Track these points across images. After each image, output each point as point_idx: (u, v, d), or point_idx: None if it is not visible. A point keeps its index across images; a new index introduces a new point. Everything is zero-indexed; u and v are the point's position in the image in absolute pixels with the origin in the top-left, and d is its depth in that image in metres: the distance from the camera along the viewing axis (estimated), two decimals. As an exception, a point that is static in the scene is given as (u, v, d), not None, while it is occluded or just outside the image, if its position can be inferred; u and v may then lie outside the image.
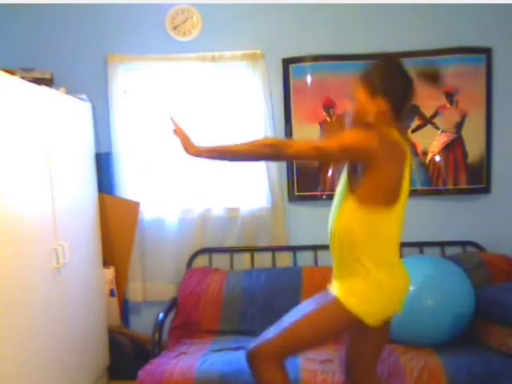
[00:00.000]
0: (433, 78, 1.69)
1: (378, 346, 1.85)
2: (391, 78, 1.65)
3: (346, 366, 1.91)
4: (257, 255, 3.02)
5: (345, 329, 1.78)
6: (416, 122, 2.90)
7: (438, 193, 2.94)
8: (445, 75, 1.74)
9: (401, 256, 1.78)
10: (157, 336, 2.50)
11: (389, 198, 1.63)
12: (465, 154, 2.90)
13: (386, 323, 1.74)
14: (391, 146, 1.61)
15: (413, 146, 2.82)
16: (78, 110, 2.70)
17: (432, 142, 2.90)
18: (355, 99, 1.70)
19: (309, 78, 2.89)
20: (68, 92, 2.67)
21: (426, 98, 2.87)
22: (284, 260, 3.02)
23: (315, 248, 2.96)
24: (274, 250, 3.01)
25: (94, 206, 2.80)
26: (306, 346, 1.82)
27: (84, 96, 2.82)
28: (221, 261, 3.01)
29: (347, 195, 1.67)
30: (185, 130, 1.76)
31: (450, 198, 2.95)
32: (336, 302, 1.67)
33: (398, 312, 1.73)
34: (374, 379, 1.90)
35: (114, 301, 2.94)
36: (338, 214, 1.71)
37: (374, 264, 1.64)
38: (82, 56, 2.97)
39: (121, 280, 2.97)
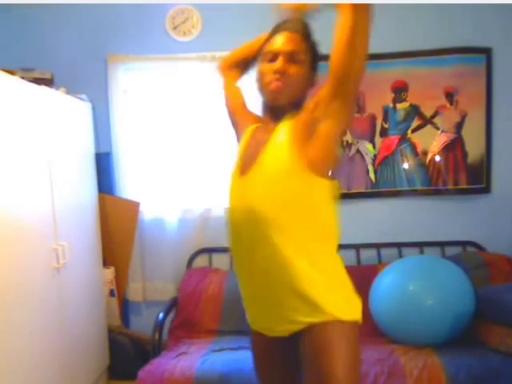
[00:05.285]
0: None
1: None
2: None
3: None
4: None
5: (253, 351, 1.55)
6: (416, 122, 2.90)
7: (437, 193, 2.94)
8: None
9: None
10: (157, 336, 2.50)
11: None
12: (465, 154, 2.90)
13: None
14: None
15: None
16: (78, 109, 2.70)
17: (432, 142, 2.90)
18: None
19: (309, 78, 2.88)
20: (68, 92, 2.66)
21: (426, 98, 2.87)
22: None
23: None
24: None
25: (93, 206, 2.80)
26: None
27: (84, 96, 2.82)
28: (221, 261, 3.01)
29: None
30: None
31: (450, 198, 2.95)
32: None
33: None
34: None
35: (114, 301, 2.94)
36: None
37: None
38: (82, 56, 2.97)
39: (121, 280, 2.97)
